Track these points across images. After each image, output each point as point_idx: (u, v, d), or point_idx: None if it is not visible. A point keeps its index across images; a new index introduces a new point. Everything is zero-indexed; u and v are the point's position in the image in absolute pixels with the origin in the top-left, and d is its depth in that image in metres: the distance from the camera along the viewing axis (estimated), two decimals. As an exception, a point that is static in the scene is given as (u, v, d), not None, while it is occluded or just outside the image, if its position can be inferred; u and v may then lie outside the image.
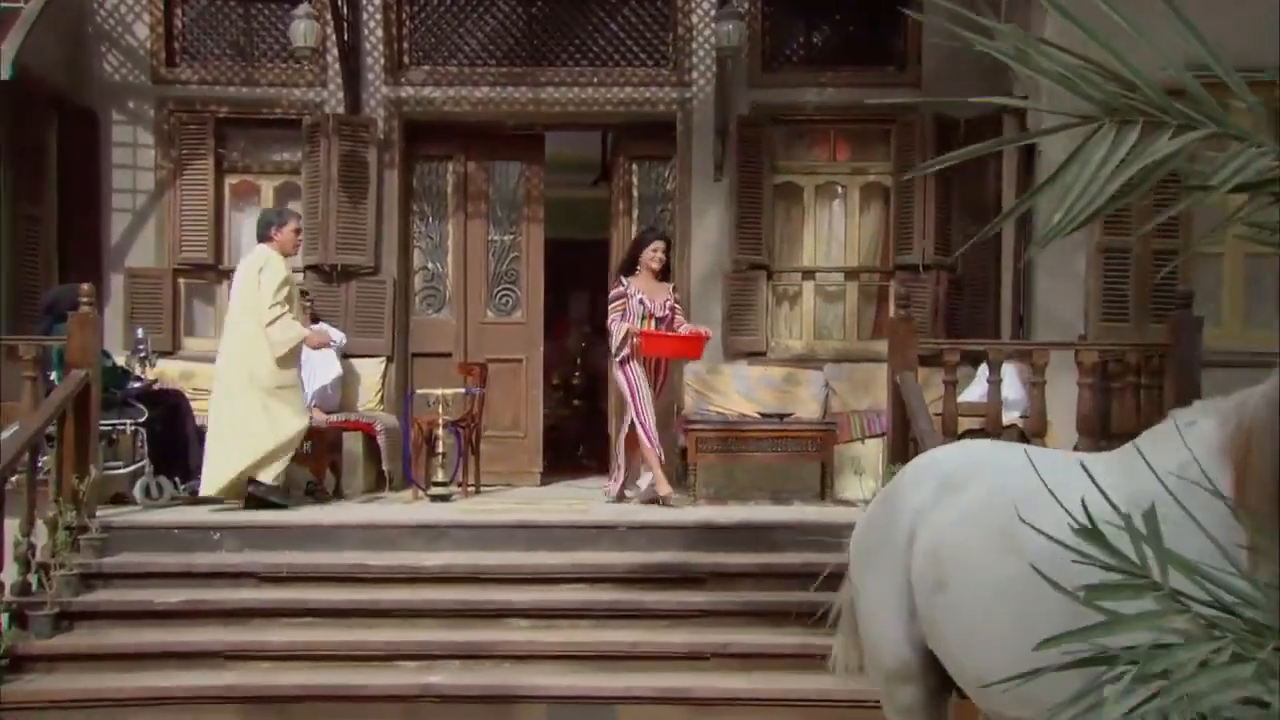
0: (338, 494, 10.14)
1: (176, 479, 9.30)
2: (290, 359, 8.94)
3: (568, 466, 12.82)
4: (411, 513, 8.99)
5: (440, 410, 9.88)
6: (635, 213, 11.65)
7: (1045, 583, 2.13)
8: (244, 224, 11.18)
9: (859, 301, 11.45)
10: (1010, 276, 10.83)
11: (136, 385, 9.46)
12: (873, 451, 10.47)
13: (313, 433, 9.42)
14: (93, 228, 11.21)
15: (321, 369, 10.35)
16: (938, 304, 10.95)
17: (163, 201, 11.31)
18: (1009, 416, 9.22)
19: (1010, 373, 9.42)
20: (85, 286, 8.54)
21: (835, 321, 11.50)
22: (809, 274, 11.46)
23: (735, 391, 10.99)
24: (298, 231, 9.14)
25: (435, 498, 9.75)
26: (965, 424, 8.74)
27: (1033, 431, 8.80)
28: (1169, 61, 1.88)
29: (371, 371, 11.21)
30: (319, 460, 9.88)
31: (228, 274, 10.47)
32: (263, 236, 9.02)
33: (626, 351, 9.47)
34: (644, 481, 9.62)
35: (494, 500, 10.04)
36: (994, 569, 3.54)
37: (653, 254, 9.56)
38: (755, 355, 11.21)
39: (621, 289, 9.59)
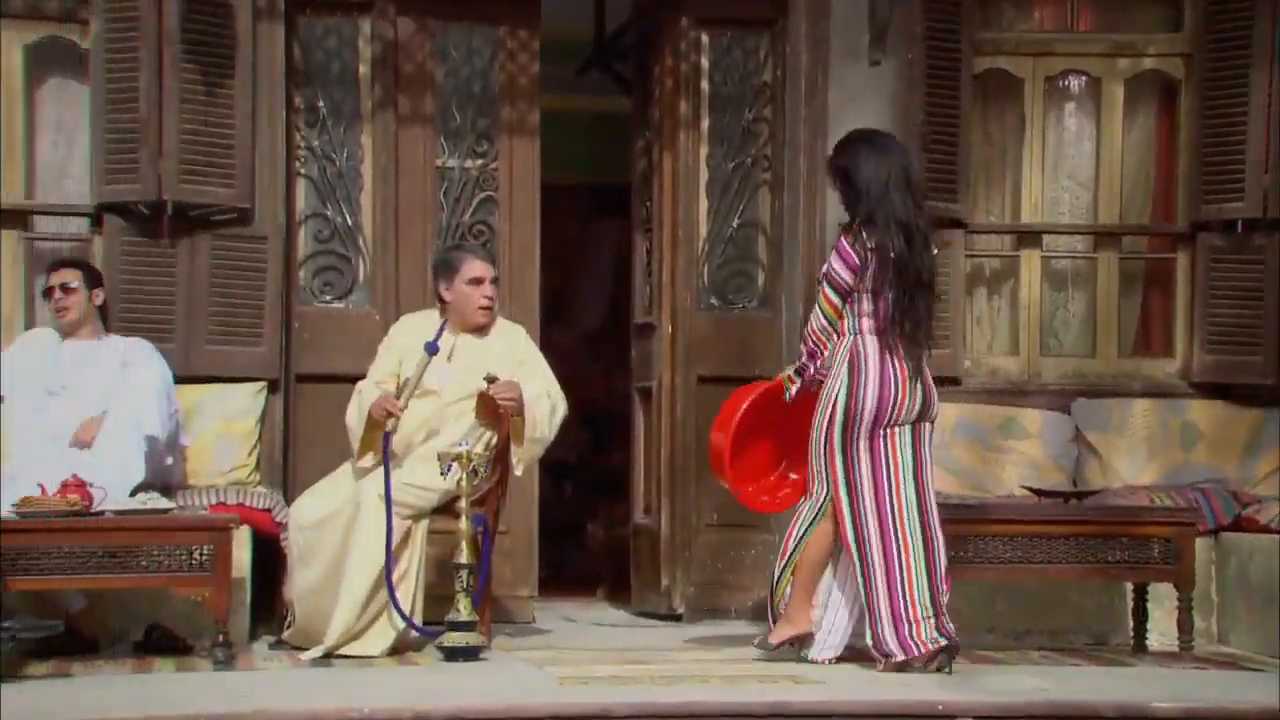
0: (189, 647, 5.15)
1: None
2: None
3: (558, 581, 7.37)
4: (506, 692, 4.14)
5: (461, 484, 4.80)
6: (704, 125, 6.48)
7: None
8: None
9: (1117, 286, 6.48)
10: None
11: None
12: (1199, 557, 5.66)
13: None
14: None
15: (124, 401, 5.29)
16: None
17: None
18: None
19: None
20: None
21: (1071, 324, 6.57)
22: (1029, 236, 6.50)
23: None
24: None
25: (452, 653, 4.81)
26: None
27: None
28: None
29: (240, 408, 5.94)
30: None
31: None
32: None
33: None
34: (838, 623, 4.87)
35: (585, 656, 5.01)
36: None
37: None
38: (944, 383, 6.27)
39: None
